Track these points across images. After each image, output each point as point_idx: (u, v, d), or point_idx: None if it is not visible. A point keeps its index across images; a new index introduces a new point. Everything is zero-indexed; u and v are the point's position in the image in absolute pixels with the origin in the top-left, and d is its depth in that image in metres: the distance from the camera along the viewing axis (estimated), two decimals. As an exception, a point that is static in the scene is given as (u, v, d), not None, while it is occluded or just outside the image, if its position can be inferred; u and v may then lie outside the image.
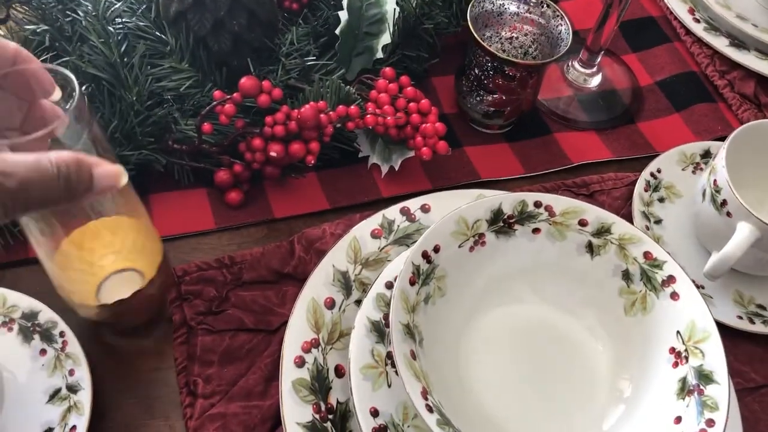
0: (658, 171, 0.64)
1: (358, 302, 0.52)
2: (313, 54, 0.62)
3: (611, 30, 0.67)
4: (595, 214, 0.51)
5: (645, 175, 0.64)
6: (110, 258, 0.46)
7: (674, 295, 0.49)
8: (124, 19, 0.55)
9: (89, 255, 0.45)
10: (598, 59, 0.70)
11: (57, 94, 0.37)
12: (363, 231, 0.55)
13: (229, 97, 0.54)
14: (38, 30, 0.53)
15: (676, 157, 0.65)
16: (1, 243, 0.53)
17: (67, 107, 0.34)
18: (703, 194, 0.58)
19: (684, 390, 0.46)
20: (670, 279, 0.49)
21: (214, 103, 0.54)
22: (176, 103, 0.56)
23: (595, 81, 0.71)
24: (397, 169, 0.61)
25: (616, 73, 0.73)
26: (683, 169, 0.65)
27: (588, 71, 0.71)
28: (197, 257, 0.55)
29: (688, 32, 0.76)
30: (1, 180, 0.28)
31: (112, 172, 0.32)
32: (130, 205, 0.45)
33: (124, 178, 0.33)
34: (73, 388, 0.46)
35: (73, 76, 0.35)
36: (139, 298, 0.47)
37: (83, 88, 0.51)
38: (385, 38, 0.62)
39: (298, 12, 0.66)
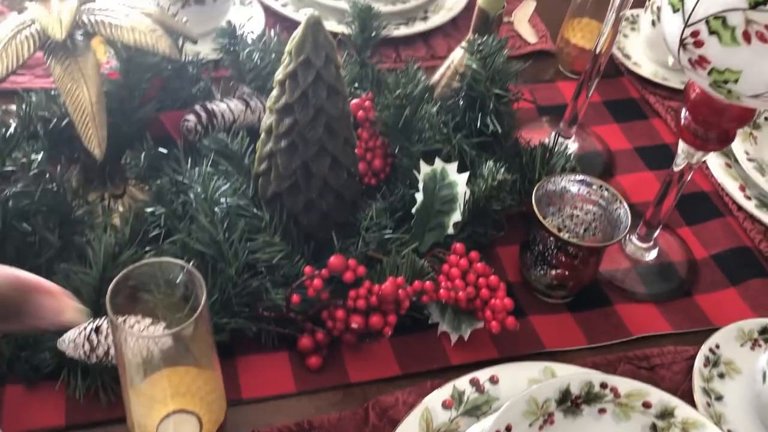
0: (717, 347, 0.67)
1: (430, 472, 0.55)
2: (390, 227, 0.68)
3: (670, 206, 0.72)
4: (659, 396, 0.54)
5: (704, 350, 0.66)
6: (174, 400, 0.50)
7: (740, 484, 0.50)
8: (227, 199, 0.62)
9: (154, 393, 0.49)
10: (656, 234, 0.75)
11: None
12: (434, 401, 0.59)
13: (317, 272, 0.60)
14: (156, 212, 0.60)
15: (734, 333, 0.68)
16: (105, 400, 0.57)
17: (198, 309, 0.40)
18: (764, 376, 0.60)
19: None
20: (735, 466, 0.51)
21: (304, 277, 0.60)
22: (268, 274, 0.62)
23: (652, 255, 0.75)
24: (466, 339, 0.64)
25: (672, 246, 0.77)
26: (742, 345, 0.67)
27: (645, 245, 0.75)
28: (279, 420, 0.59)
29: (740, 208, 0.80)
30: None
31: (65, 307, 0.29)
32: (207, 360, 0.50)
33: (79, 317, 0.30)
34: None
35: (201, 280, 0.41)
36: None
37: (191, 263, 0.58)
38: (456, 216, 0.68)
39: (377, 187, 0.73)
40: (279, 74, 0.60)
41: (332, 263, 0.60)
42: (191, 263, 0.58)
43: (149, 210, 0.61)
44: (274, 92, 0.61)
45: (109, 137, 0.66)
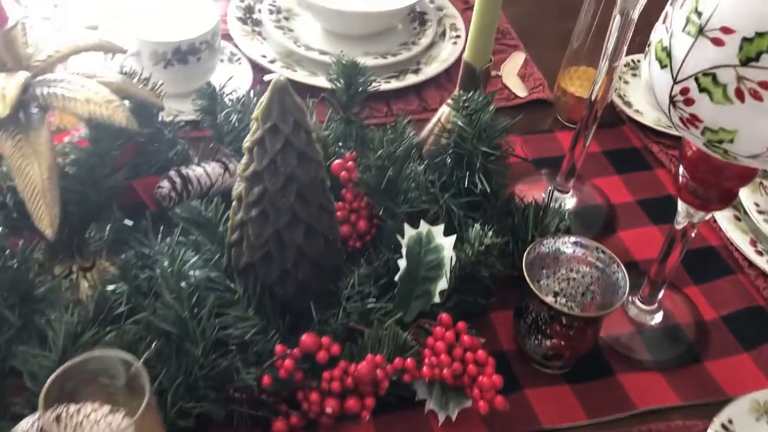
0: (730, 421, 0.61)
1: None
2: (374, 295, 0.64)
3: (674, 263, 0.67)
4: (662, 489, 0.49)
5: (716, 425, 0.61)
6: None
7: None
8: (196, 272, 0.58)
9: None
10: (660, 295, 0.70)
11: None
12: (418, 491, 0.54)
13: (289, 352, 0.56)
14: (117, 290, 0.57)
15: (748, 406, 0.62)
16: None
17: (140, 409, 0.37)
18: (781, 459, 0.54)
19: None
20: None
21: (275, 358, 0.56)
22: (240, 351, 0.58)
23: (657, 318, 0.70)
24: (454, 419, 0.60)
25: (678, 307, 0.72)
26: (757, 420, 0.62)
27: (649, 308, 0.70)
28: None
29: (752, 264, 0.75)
30: None
31: None
32: None
33: None
34: None
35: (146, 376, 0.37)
36: None
37: (153, 345, 0.54)
38: (442, 283, 0.63)
39: (362, 251, 0.69)
40: (247, 141, 0.57)
41: (304, 342, 0.56)
42: (153, 345, 0.55)
43: (110, 288, 0.57)
44: (243, 159, 0.58)
45: (78, 207, 0.64)
